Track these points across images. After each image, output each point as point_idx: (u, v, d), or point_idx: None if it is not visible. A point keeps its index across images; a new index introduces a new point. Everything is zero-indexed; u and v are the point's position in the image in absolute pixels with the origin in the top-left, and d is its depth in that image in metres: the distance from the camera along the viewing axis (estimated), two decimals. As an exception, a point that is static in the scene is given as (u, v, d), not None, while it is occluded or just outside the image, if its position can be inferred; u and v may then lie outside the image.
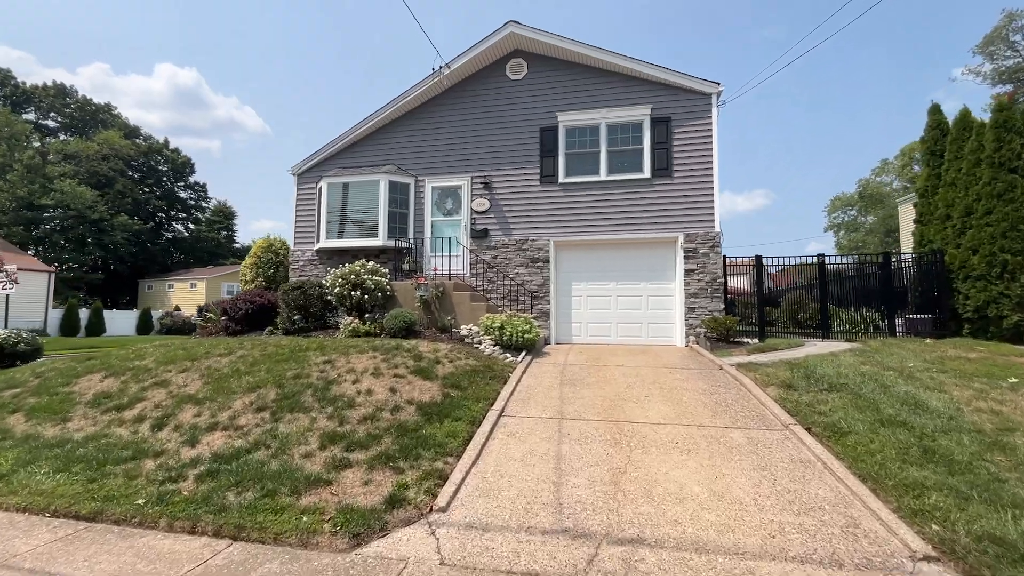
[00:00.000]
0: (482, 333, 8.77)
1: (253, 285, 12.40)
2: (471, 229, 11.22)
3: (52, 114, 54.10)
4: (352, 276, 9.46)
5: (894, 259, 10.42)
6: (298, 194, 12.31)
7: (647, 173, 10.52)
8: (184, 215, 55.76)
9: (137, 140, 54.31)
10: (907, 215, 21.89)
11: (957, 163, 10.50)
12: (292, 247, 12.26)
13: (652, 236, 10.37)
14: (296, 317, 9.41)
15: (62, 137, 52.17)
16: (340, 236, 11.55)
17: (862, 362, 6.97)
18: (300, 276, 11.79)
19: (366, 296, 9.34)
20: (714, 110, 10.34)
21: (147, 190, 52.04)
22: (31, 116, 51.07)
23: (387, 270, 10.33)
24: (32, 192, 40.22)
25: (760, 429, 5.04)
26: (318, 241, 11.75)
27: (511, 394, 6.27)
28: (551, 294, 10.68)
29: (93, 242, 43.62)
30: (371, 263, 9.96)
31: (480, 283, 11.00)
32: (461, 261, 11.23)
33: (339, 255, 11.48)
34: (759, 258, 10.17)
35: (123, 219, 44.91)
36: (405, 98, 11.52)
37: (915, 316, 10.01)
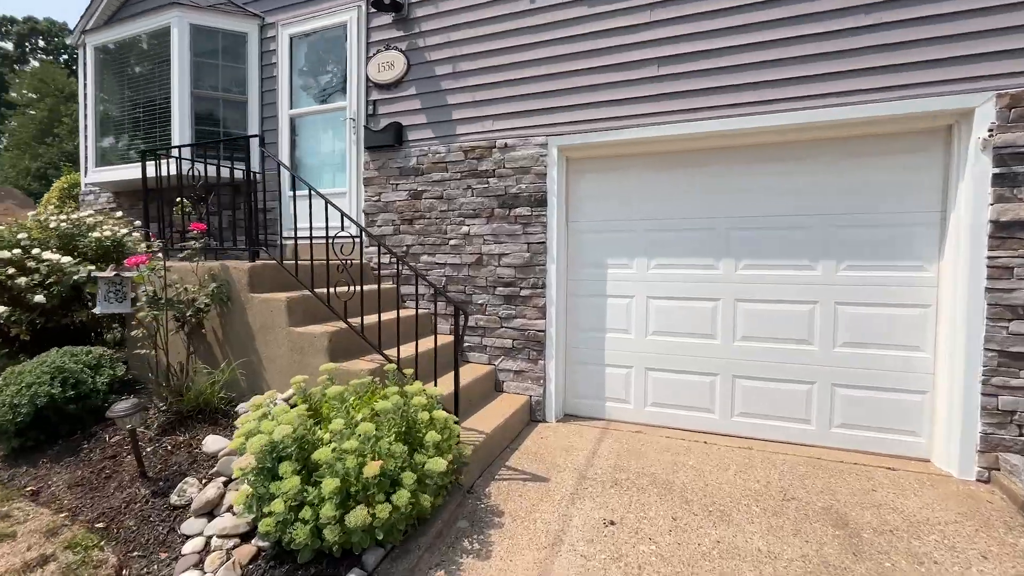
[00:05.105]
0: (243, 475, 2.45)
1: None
2: (365, 128, 4.69)
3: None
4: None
5: None
6: (86, 80, 6.36)
7: (861, -95, 3.21)
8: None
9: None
10: None
11: None
12: (83, 181, 6.48)
13: (866, 114, 3.20)
14: None
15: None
16: (124, 158, 5.56)
17: None
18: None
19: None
20: None
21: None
22: None
23: (138, 233, 4.25)
24: None
25: None
26: (87, 169, 5.86)
27: None
28: (549, 288, 4.02)
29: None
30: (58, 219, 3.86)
31: (386, 257, 4.60)
32: (350, 204, 4.84)
33: (138, 196, 5.49)
34: None
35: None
36: None
37: None
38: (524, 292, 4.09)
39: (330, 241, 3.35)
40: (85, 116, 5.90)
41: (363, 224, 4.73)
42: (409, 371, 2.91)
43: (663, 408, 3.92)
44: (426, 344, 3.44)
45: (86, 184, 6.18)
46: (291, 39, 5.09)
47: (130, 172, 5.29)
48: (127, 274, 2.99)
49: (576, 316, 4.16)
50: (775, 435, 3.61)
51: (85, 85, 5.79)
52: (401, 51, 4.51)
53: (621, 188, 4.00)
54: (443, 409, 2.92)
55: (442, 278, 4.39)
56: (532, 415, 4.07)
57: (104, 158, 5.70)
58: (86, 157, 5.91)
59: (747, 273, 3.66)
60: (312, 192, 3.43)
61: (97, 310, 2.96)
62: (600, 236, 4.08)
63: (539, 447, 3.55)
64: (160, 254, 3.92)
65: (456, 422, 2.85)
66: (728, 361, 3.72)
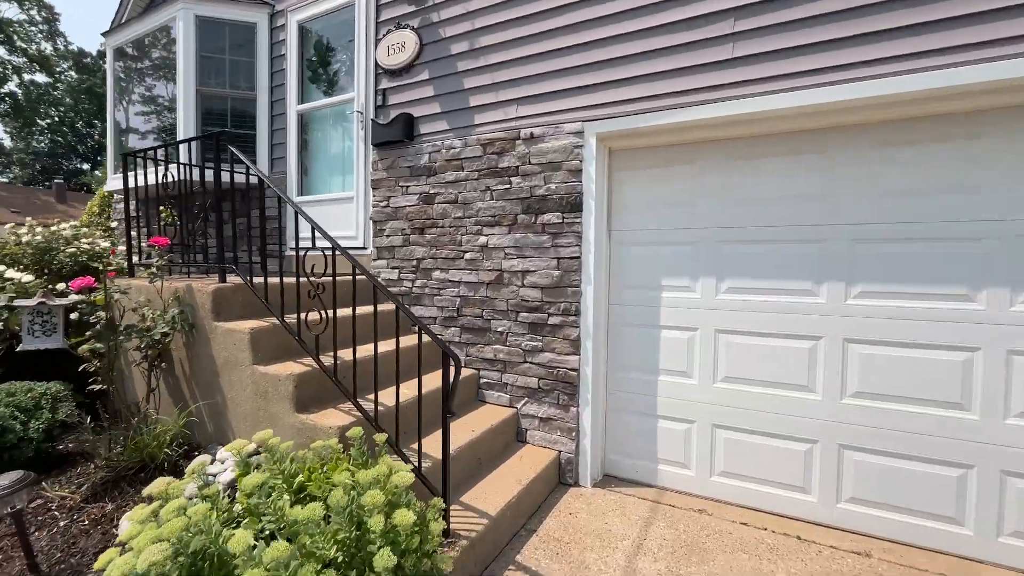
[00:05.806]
0: None
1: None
2: (372, 122, 4.03)
3: None
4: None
5: None
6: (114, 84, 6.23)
7: None
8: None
9: None
10: None
11: None
12: (107, 190, 6.37)
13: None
14: None
15: None
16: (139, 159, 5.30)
17: None
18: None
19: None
20: None
21: None
22: None
23: (105, 241, 3.85)
24: None
25: None
26: (109, 177, 5.68)
27: None
28: (584, 315, 3.14)
29: None
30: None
31: (394, 272, 3.93)
32: (357, 210, 4.22)
33: (155, 204, 5.21)
34: None
35: None
36: None
37: None
38: (553, 319, 3.24)
39: (300, 255, 2.68)
40: (107, 122, 5.73)
41: (372, 233, 4.09)
42: (381, 437, 2.16)
43: (736, 481, 2.93)
44: (427, 384, 2.63)
45: (113, 193, 6.04)
46: (300, 27, 4.55)
47: (141, 179, 4.99)
48: (56, 302, 2.49)
49: (619, 352, 3.26)
50: (905, 535, 2.53)
51: (108, 90, 5.60)
52: (413, 29, 3.80)
53: (683, 187, 3.05)
54: (425, 489, 2.17)
55: (456, 299, 3.63)
56: (561, 476, 3.21)
57: (115, 162, 5.47)
58: (109, 165, 5.74)
59: (863, 304, 2.60)
60: (282, 198, 2.77)
61: (20, 347, 2.49)
62: (652, 249, 3.14)
63: (565, 529, 2.69)
64: (146, 270, 3.47)
65: (443, 510, 2.07)
66: (833, 424, 2.68)
